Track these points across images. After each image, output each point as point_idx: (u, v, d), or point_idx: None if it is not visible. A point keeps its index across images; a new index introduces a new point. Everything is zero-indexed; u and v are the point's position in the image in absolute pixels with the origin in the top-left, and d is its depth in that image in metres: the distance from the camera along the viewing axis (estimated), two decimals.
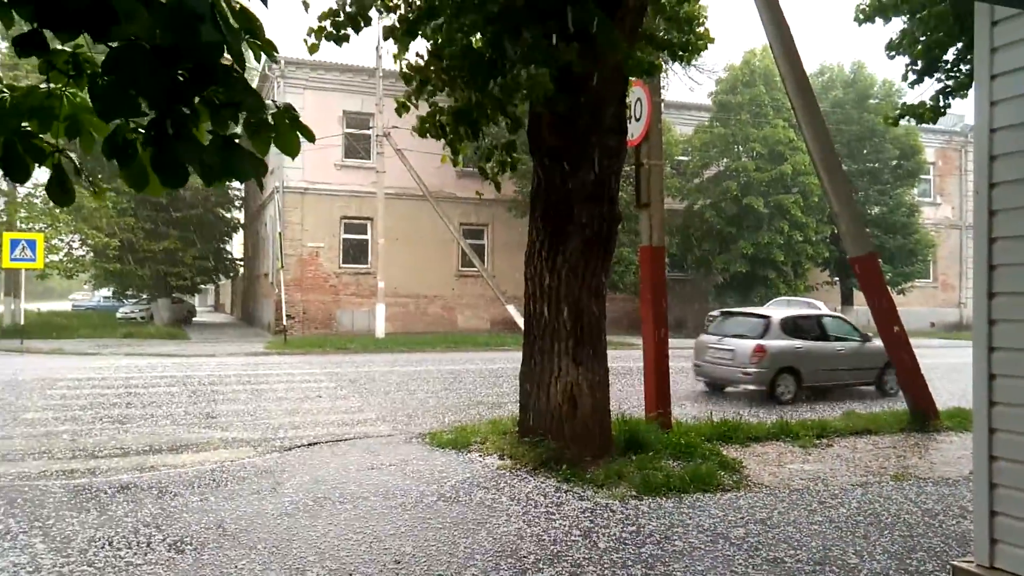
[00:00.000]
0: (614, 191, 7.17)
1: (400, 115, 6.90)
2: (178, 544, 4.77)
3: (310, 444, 8.00)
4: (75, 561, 4.46)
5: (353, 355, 19.30)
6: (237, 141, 2.48)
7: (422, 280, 25.86)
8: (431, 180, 23.65)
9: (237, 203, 34.00)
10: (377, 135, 23.49)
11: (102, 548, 4.69)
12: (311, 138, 2.64)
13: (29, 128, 2.60)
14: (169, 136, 2.31)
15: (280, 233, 23.81)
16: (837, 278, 29.73)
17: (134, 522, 5.21)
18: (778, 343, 12.07)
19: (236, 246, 39.81)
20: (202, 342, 22.76)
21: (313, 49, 6.53)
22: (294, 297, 24.23)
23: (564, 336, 6.94)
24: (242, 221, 35.77)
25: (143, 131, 2.46)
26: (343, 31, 6.49)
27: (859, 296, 25.96)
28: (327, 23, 6.47)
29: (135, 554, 4.59)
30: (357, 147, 25.58)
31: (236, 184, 34.65)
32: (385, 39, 6.54)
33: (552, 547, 4.77)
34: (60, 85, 2.59)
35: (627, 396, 11.40)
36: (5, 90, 2.61)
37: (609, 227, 7.09)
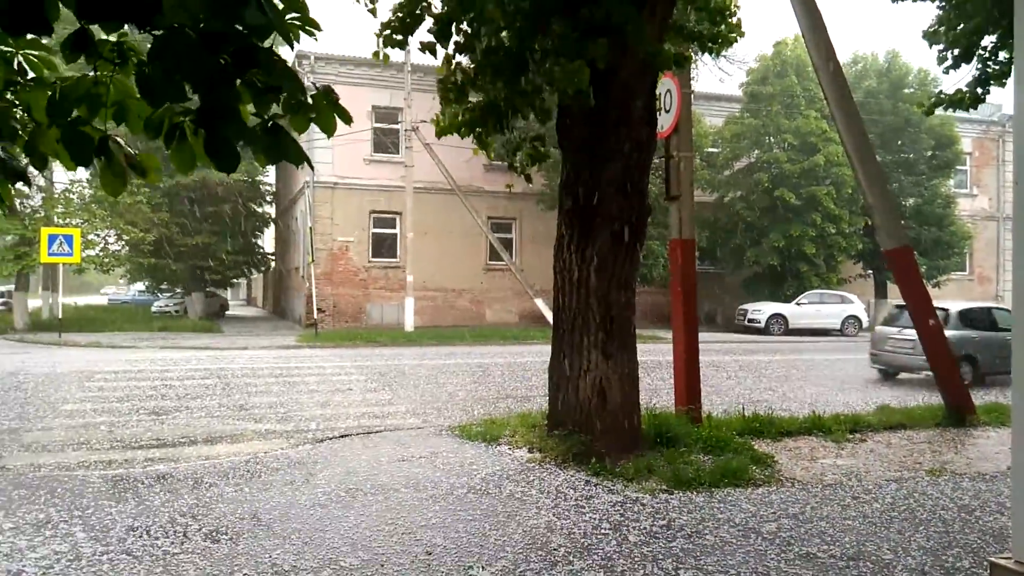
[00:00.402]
0: (644, 184, 7.13)
1: (440, 138, 7.13)
2: (214, 534, 4.86)
3: (342, 436, 8.09)
4: (114, 550, 4.57)
5: (383, 348, 19.45)
6: (281, 124, 2.57)
7: (451, 274, 25.97)
8: (459, 174, 23.71)
9: (268, 198, 34.39)
10: (406, 130, 23.60)
11: (140, 537, 4.79)
12: (348, 119, 2.72)
13: (79, 115, 2.68)
14: (218, 119, 2.39)
15: (311, 227, 24.06)
16: (871, 271, 29.28)
17: (171, 512, 5.31)
18: (957, 333, 12.70)
19: (267, 240, 40.29)
20: (235, 335, 23.08)
21: (385, 60, 6.78)
22: (324, 291, 24.47)
23: (593, 330, 6.92)
24: (273, 216, 36.17)
25: (188, 114, 2.55)
26: (400, 36, 6.73)
27: (893, 289, 25.54)
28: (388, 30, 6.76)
29: (172, 543, 4.68)
30: (386, 142, 25.73)
31: (268, 179, 35.06)
32: (423, 51, 6.57)
33: (582, 540, 4.78)
34: (106, 72, 2.66)
35: (657, 390, 11.36)
36: (56, 81, 2.70)
37: (639, 220, 7.05)
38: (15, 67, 2.82)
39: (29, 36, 2.73)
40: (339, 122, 2.70)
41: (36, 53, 2.85)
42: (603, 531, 4.96)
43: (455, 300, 26.36)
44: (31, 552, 4.52)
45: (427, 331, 22.86)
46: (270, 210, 35.43)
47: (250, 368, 14.67)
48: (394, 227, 25.74)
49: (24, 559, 4.40)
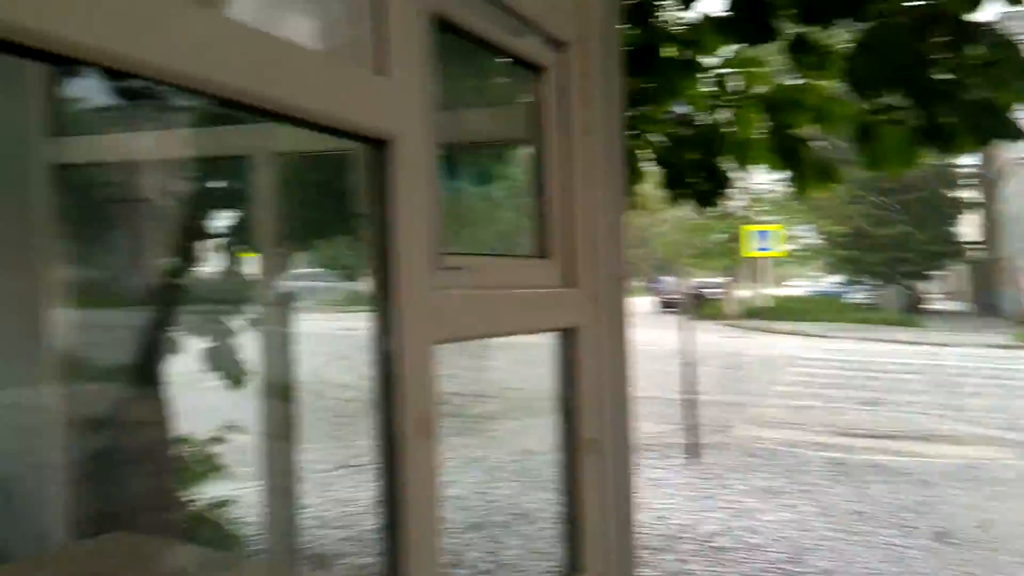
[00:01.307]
0: None
1: None
2: (941, 535, 4.66)
3: None
4: (838, 528, 4.81)
5: None
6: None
7: None
8: None
9: (961, 182, 31.37)
10: None
11: (863, 522, 4.92)
12: None
13: (783, 121, 2.93)
14: (937, 101, 2.32)
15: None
16: None
17: (890, 503, 5.30)
18: None
19: (965, 228, 36.77)
20: (935, 330, 21.66)
21: None
22: None
23: None
24: (976, 201, 32.77)
25: (880, 112, 2.54)
26: None
27: None
28: None
29: (897, 535, 4.67)
30: None
31: (963, 160, 31.94)
32: None
33: None
34: (808, 79, 2.84)
35: None
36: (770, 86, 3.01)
37: None
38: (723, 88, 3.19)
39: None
40: None
41: (757, 71, 3.18)
42: None
43: None
44: (761, 514, 5.10)
45: None
46: (967, 195, 32.22)
47: (957, 367, 13.54)
48: None
49: (758, 518, 5.01)
